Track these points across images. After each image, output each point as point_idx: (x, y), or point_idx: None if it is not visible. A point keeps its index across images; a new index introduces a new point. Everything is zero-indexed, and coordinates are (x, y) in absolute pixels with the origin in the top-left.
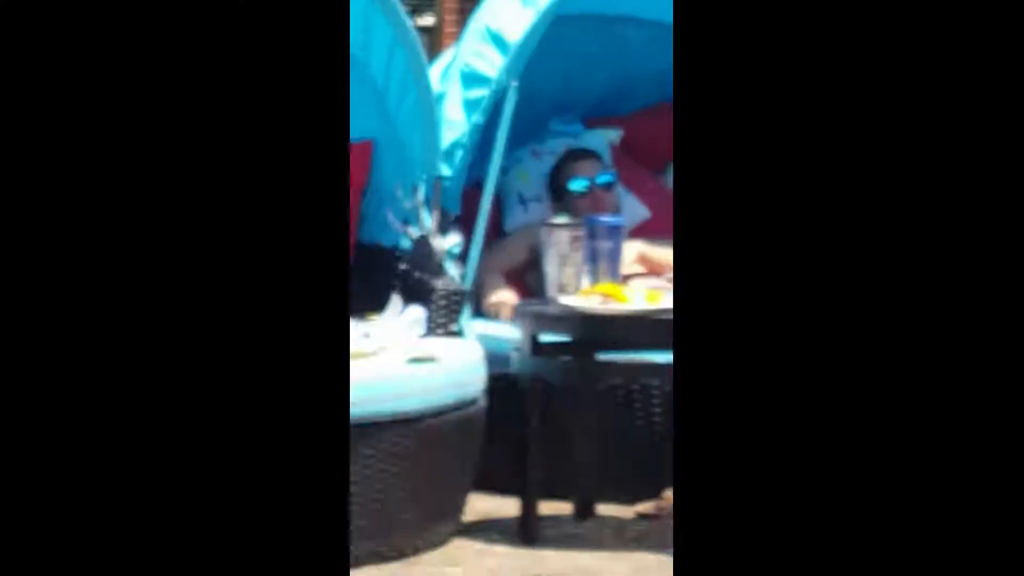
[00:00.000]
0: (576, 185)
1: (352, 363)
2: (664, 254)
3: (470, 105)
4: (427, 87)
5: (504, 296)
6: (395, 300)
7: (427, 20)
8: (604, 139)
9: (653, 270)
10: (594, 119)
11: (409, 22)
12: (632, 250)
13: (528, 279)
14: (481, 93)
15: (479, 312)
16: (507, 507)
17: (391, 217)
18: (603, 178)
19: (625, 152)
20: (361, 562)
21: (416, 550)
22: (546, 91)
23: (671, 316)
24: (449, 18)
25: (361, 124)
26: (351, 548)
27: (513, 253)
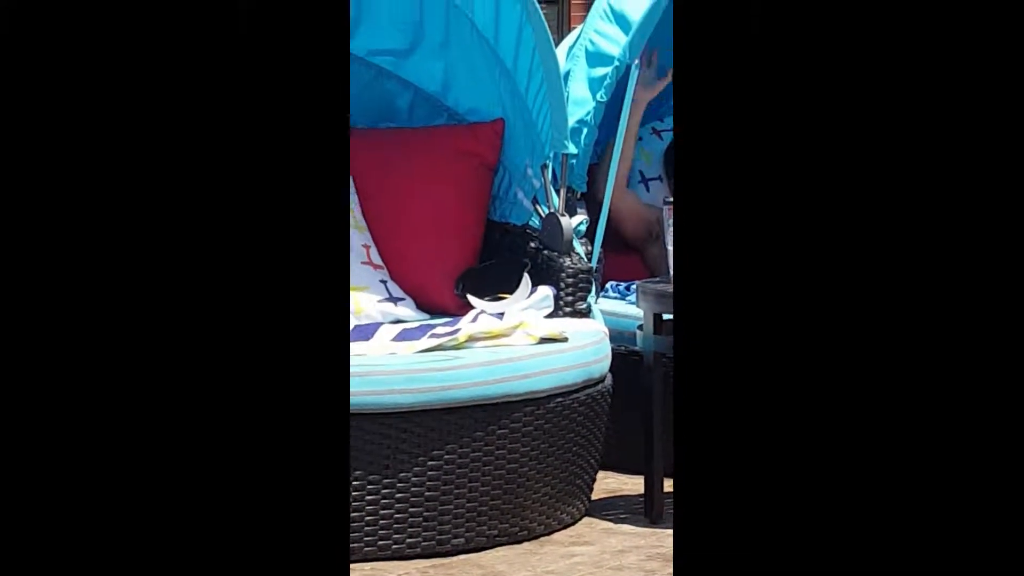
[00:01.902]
0: None
1: (486, 343)
2: None
3: (594, 83)
4: (555, 66)
5: None
6: (525, 280)
7: None
8: None
9: None
10: None
11: (536, 1)
12: None
13: (647, 256)
14: (605, 71)
15: (604, 289)
16: (632, 485)
17: (521, 195)
18: None
19: None
20: (493, 543)
21: (547, 529)
22: (668, 68)
23: None
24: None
25: (491, 103)
26: (484, 528)
27: (636, 224)
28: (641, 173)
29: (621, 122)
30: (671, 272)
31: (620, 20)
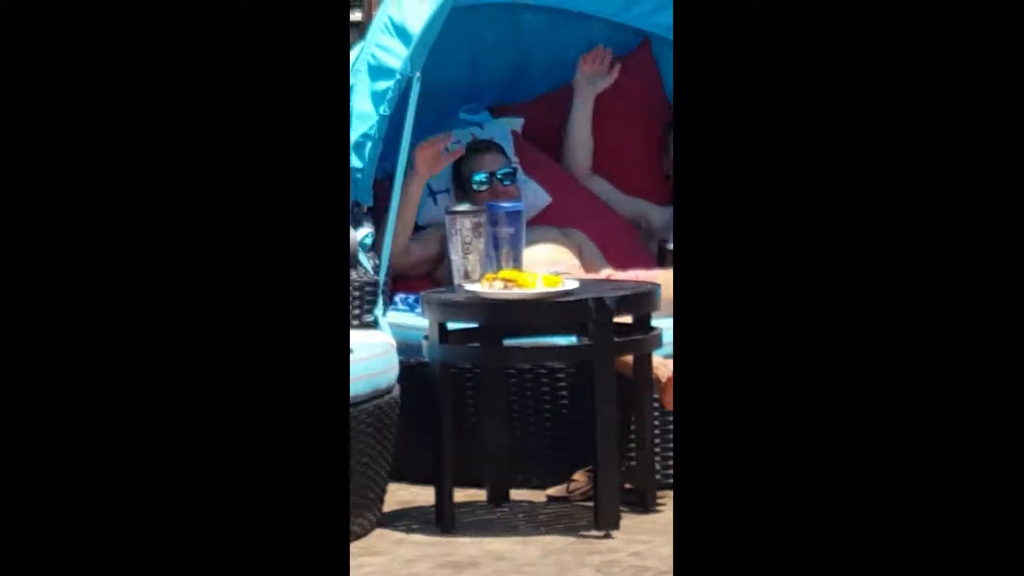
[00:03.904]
0: (477, 179)
1: None
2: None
3: (377, 97)
4: None
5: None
6: None
7: (355, 15)
8: (507, 127)
9: None
10: (499, 107)
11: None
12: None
13: (439, 274)
14: (387, 84)
15: (393, 302)
16: (425, 496)
17: None
18: (503, 171)
19: (527, 138)
20: None
21: None
22: (453, 81)
23: (570, 298)
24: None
25: None
26: None
27: (425, 245)
28: (429, 187)
29: (404, 137)
30: (455, 281)
31: (401, 33)
